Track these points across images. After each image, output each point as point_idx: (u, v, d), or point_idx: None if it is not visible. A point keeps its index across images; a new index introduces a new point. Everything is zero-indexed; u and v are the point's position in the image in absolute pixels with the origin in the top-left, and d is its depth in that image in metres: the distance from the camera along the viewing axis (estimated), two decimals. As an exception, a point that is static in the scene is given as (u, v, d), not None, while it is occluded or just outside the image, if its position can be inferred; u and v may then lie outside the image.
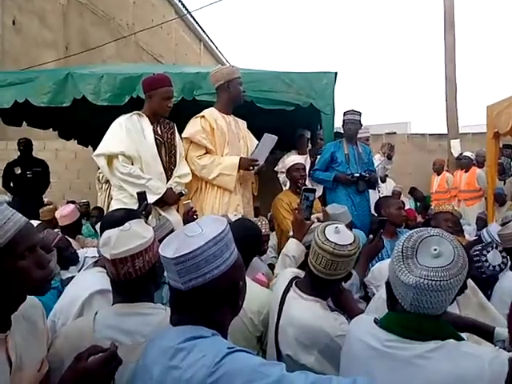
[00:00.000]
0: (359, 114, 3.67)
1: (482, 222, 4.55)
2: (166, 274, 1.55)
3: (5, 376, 0.95)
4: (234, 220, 2.13)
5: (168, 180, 2.67)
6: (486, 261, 2.01)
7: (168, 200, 2.61)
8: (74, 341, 1.16)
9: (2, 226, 0.90)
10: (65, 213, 3.36)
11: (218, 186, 2.83)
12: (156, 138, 2.64)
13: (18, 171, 5.43)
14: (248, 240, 1.83)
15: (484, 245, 2.13)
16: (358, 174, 3.49)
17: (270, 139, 2.88)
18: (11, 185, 5.53)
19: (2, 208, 0.93)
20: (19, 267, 0.92)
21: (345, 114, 3.68)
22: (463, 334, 1.21)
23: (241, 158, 2.81)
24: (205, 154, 2.85)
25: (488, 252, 2.02)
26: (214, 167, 2.79)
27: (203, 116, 2.83)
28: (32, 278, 0.95)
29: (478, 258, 2.04)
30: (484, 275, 2.01)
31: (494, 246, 2.07)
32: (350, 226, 2.85)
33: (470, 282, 1.69)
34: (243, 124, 3.07)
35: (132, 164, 2.56)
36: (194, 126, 2.82)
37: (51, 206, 4.22)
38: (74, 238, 3.21)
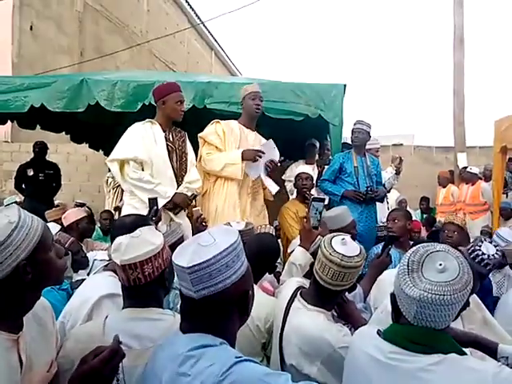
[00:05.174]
0: (368, 125, 3.63)
1: (486, 236, 4.51)
2: (175, 280, 1.59)
3: (16, 376, 0.98)
4: (238, 228, 2.14)
5: (178, 186, 2.71)
6: (484, 253, 1.97)
7: (178, 202, 2.65)
8: (85, 344, 1.16)
9: (32, 225, 1.01)
10: (65, 214, 3.37)
11: (225, 177, 2.95)
12: (167, 145, 2.70)
13: (31, 173, 5.44)
14: (265, 257, 1.86)
15: (472, 242, 2.10)
16: (365, 191, 3.44)
17: (269, 144, 3.05)
18: (23, 186, 5.55)
19: (24, 214, 1.01)
20: (49, 258, 1.03)
21: (354, 123, 3.66)
22: (466, 350, 1.21)
23: (244, 150, 2.92)
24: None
25: (480, 246, 2.00)
26: (220, 160, 2.93)
27: (218, 121, 3.04)
28: (57, 267, 1.06)
29: (475, 255, 1.98)
30: (489, 266, 1.96)
31: (481, 240, 2.05)
32: (353, 225, 2.73)
33: (474, 297, 1.69)
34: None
35: (143, 170, 2.62)
36: (209, 128, 3.06)
37: (57, 208, 4.14)
38: (81, 241, 3.22)
